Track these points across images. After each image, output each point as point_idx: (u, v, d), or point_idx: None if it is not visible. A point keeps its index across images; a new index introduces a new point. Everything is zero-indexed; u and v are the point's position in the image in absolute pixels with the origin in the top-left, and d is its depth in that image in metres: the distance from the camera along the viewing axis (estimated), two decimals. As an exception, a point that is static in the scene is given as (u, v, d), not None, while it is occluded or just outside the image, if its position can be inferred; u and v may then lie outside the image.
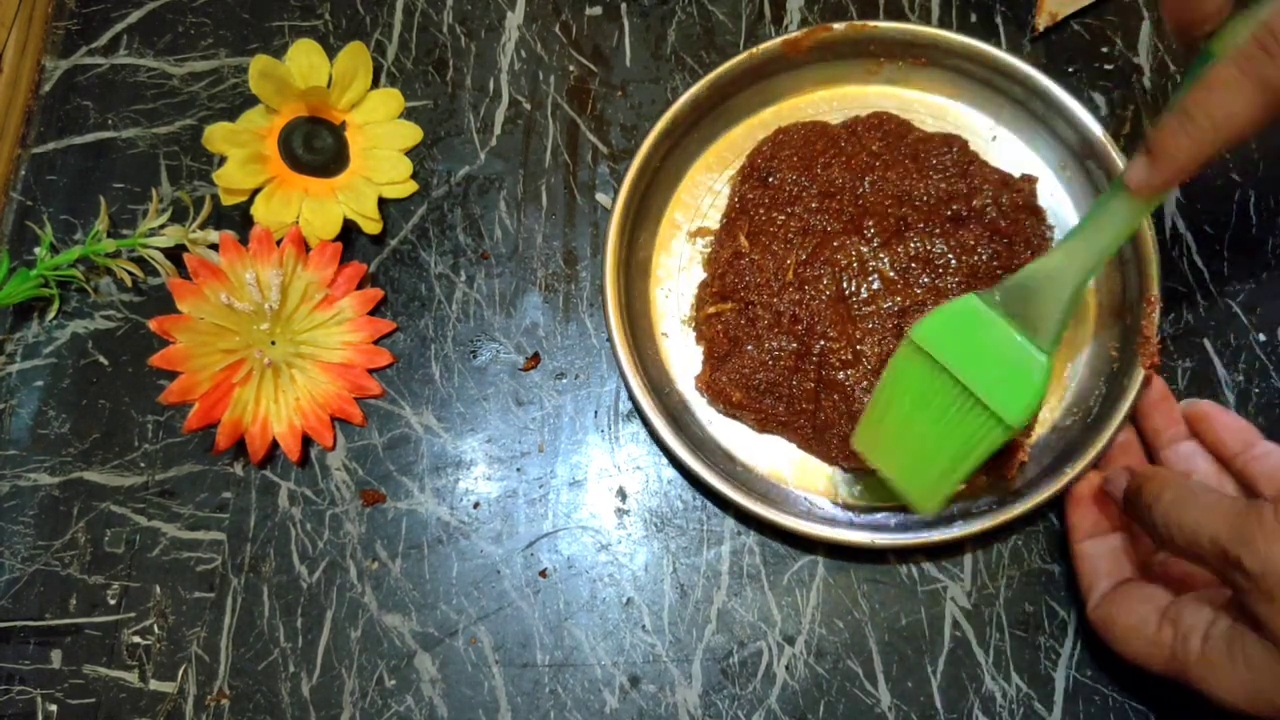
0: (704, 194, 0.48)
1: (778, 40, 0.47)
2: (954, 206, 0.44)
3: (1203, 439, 0.41)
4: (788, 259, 0.44)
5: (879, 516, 0.44)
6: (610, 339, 0.44)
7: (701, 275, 0.47)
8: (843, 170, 0.45)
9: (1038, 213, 0.44)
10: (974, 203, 0.44)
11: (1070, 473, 0.41)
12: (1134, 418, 0.42)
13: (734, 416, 0.45)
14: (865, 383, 0.42)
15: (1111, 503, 0.39)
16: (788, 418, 0.43)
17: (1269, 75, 0.31)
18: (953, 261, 0.43)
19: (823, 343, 0.43)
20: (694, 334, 0.46)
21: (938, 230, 0.44)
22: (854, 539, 0.42)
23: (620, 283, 0.45)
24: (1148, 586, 0.38)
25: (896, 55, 0.48)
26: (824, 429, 0.43)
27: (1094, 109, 0.46)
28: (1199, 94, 0.32)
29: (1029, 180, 0.45)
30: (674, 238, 0.48)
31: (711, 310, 0.45)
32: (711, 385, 0.44)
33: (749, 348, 0.43)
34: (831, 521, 0.43)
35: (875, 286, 0.43)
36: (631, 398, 0.44)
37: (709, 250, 0.47)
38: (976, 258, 0.43)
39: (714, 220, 0.48)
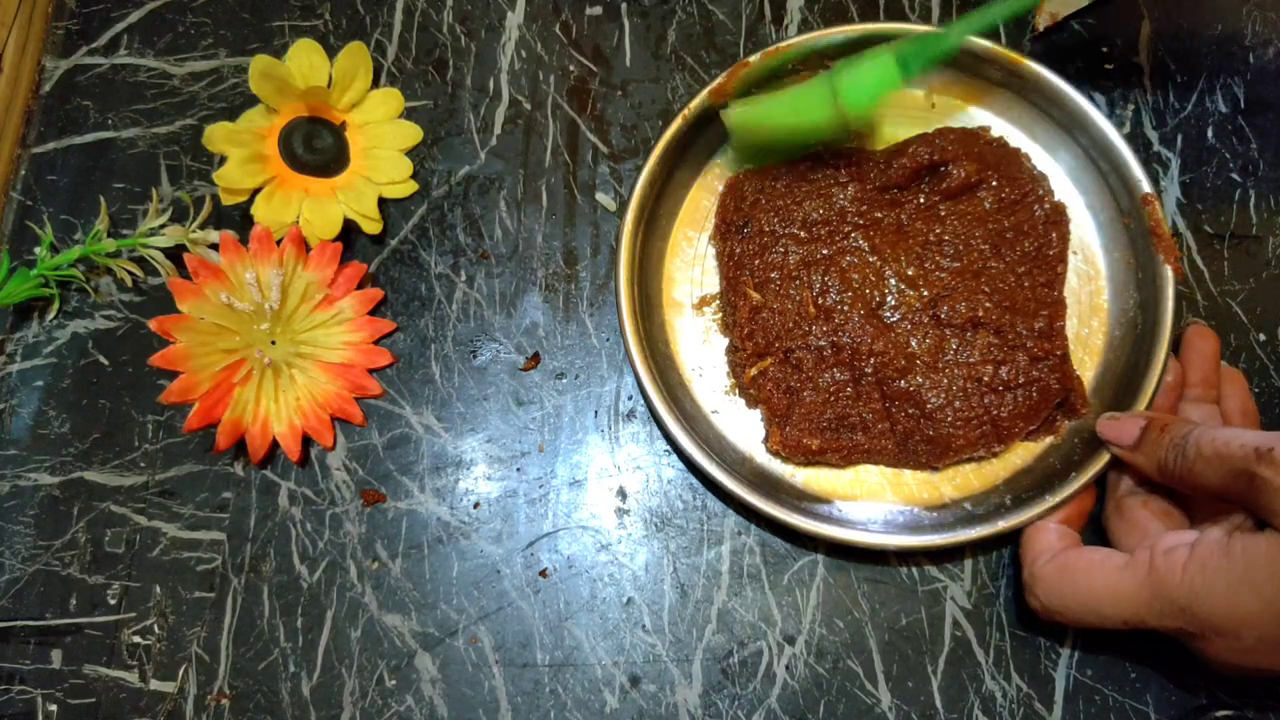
0: (693, 263, 0.47)
1: (704, 93, 0.45)
2: (930, 178, 0.44)
3: (1224, 403, 0.42)
4: (803, 296, 0.44)
5: (891, 514, 0.43)
6: (676, 447, 0.44)
7: (723, 342, 0.46)
8: (817, 201, 0.45)
9: (1013, 151, 0.45)
10: (950, 168, 0.44)
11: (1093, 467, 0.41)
12: (1178, 353, 0.43)
13: (818, 463, 0.44)
14: (927, 380, 0.42)
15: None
16: (869, 443, 0.43)
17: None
18: (961, 231, 0.43)
19: (872, 360, 0.42)
20: (744, 401, 0.45)
21: (933, 212, 0.44)
22: (867, 540, 0.42)
23: (658, 382, 0.43)
24: (1107, 548, 0.39)
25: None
26: (906, 438, 0.42)
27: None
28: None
29: (985, 129, 0.45)
30: (680, 316, 0.47)
31: (754, 372, 0.44)
32: (785, 443, 0.43)
33: (806, 394, 0.43)
34: (840, 522, 0.43)
35: (898, 287, 0.43)
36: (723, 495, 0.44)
37: (721, 316, 0.46)
38: (983, 209, 0.44)
39: (712, 285, 0.47)
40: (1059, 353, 0.42)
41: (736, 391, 0.46)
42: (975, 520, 0.42)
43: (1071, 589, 0.37)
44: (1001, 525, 0.41)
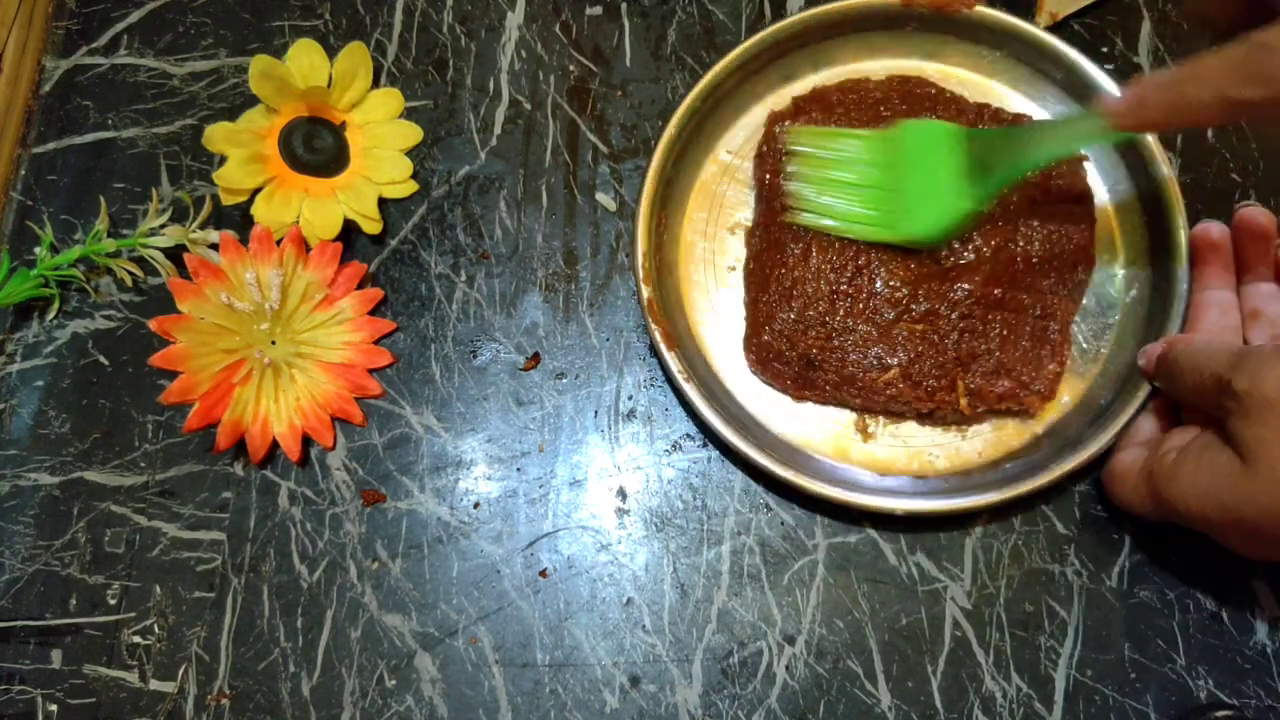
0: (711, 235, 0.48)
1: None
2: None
3: None
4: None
5: (900, 481, 0.44)
6: (700, 420, 0.44)
7: (736, 311, 0.47)
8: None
9: (1010, 117, 0.47)
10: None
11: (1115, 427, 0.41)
12: (1233, 238, 0.43)
13: (808, 387, 0.45)
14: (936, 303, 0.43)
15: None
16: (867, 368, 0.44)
17: (1263, 71, 0.33)
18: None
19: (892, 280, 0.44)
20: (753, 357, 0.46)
21: None
22: (880, 505, 0.42)
23: (664, 307, 0.45)
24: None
25: (930, 28, 0.48)
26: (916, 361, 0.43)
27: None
28: (1194, 68, 0.35)
29: (986, 105, 0.47)
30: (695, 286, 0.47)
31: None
32: (771, 341, 0.44)
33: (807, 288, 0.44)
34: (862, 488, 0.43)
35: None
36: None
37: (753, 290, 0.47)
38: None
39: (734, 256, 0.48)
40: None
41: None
42: (1011, 480, 0.42)
43: (1113, 490, 0.41)
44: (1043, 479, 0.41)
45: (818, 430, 0.45)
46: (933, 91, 0.47)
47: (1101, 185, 0.47)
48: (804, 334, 0.44)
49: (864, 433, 0.45)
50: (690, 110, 0.46)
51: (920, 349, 0.43)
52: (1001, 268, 0.44)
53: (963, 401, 0.43)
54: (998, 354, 0.43)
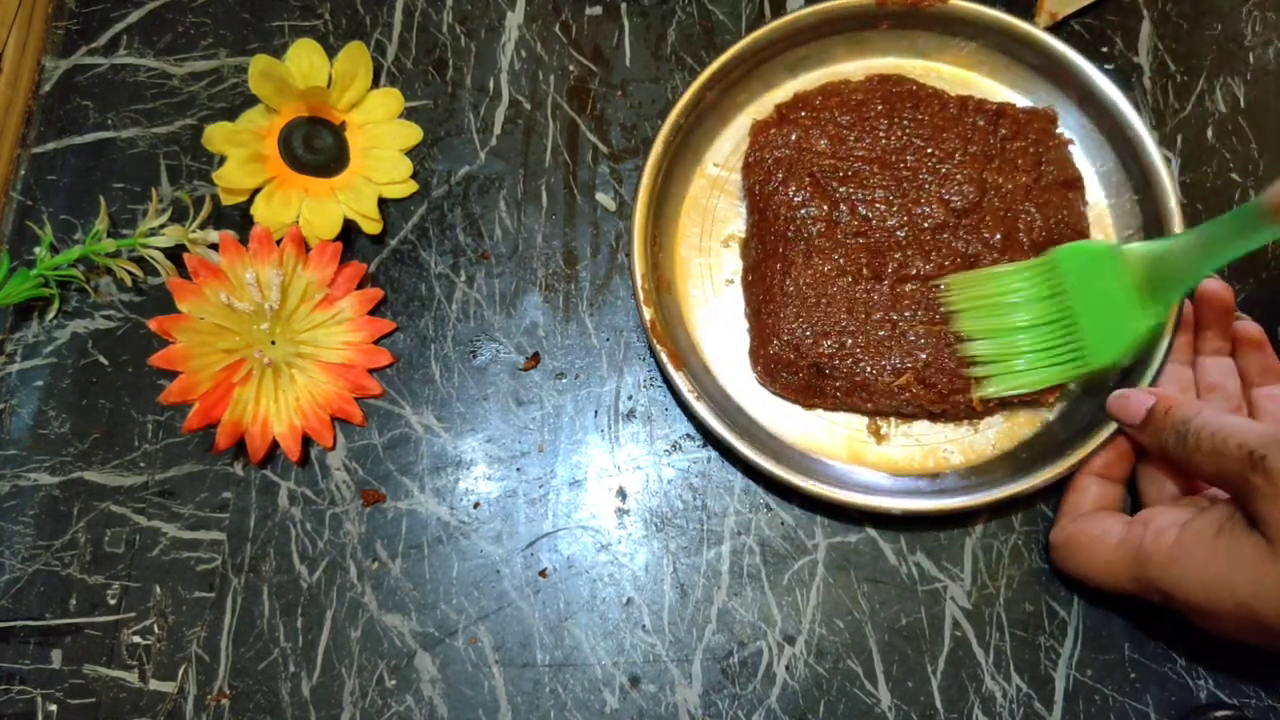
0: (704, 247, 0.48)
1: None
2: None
3: (1240, 359, 0.42)
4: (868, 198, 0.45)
5: (918, 483, 0.44)
6: (694, 417, 0.44)
7: (737, 323, 0.47)
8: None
9: (995, 109, 0.47)
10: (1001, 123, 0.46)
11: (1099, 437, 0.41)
12: (1194, 311, 0.43)
13: (816, 394, 0.45)
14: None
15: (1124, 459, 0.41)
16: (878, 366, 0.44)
17: None
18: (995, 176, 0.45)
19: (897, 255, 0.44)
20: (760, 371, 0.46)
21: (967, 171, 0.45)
22: (890, 505, 0.42)
23: (661, 312, 0.45)
24: (1119, 514, 0.40)
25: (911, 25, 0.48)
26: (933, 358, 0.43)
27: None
28: None
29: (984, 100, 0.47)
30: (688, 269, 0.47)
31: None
32: (781, 348, 0.44)
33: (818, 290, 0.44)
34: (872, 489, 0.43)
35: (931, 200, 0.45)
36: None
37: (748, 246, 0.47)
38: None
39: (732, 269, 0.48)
40: None
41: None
42: (1002, 481, 0.42)
43: (1074, 561, 0.40)
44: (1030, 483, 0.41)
45: (830, 436, 0.45)
46: (913, 88, 0.47)
47: (1090, 167, 0.47)
48: (814, 343, 0.43)
49: (877, 435, 0.45)
50: (674, 126, 0.46)
51: (933, 349, 0.43)
52: (1009, 258, 0.44)
53: (975, 398, 0.43)
54: None
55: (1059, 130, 0.47)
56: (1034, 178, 0.45)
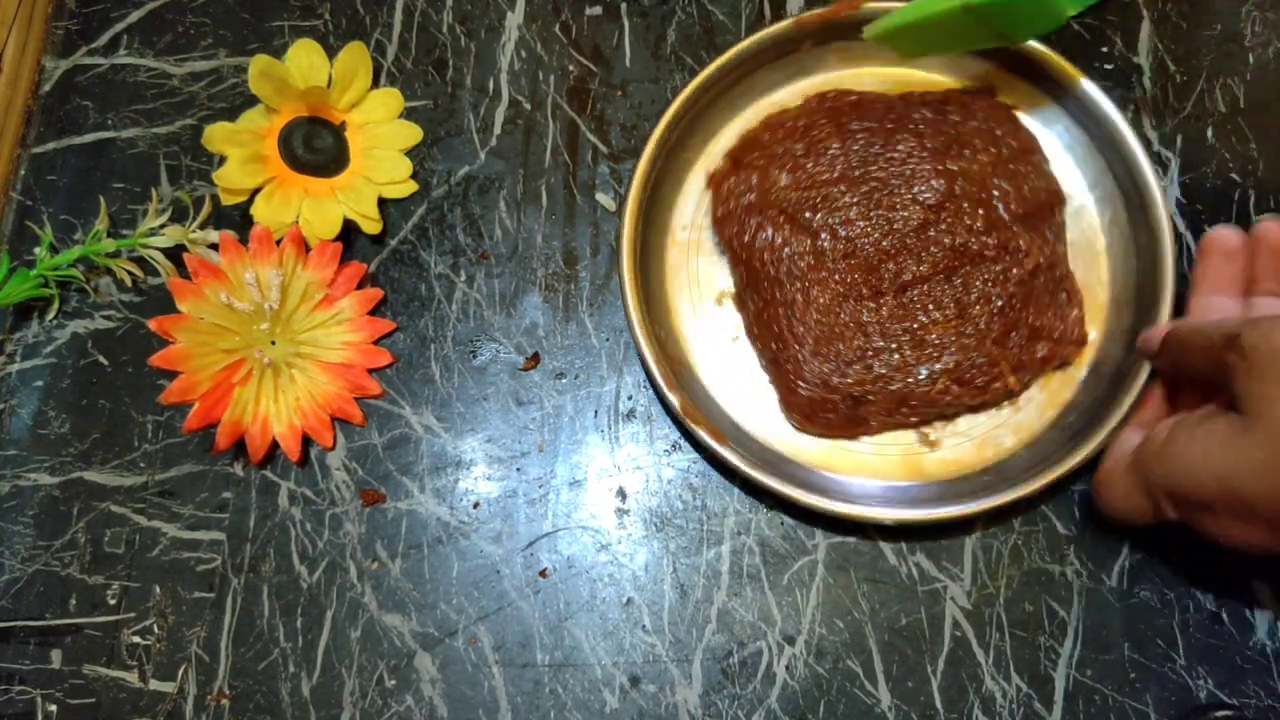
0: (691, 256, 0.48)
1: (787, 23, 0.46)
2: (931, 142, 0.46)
3: (1258, 263, 0.42)
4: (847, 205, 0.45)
5: (900, 489, 0.44)
6: (688, 431, 0.43)
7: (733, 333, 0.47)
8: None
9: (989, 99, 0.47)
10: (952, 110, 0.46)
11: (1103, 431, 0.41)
12: (1250, 250, 0.42)
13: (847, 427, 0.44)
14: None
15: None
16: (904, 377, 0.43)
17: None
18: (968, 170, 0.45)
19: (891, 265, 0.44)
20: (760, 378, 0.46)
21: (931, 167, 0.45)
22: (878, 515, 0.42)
23: (655, 334, 0.44)
24: (1137, 430, 0.41)
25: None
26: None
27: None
28: None
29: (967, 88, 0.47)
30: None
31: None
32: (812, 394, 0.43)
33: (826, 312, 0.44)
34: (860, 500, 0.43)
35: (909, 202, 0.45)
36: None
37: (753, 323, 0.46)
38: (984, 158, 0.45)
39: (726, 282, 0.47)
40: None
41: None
42: (1003, 485, 0.42)
43: (1106, 497, 0.40)
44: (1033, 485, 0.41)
45: (883, 460, 0.44)
46: (853, 98, 0.47)
47: (1048, 132, 0.48)
48: (842, 374, 0.43)
49: (929, 443, 0.45)
50: (637, 203, 0.45)
51: (958, 346, 0.43)
52: (998, 238, 0.44)
53: (1011, 380, 0.43)
54: (1031, 319, 0.43)
55: (1000, 100, 0.47)
56: (994, 154, 0.45)
